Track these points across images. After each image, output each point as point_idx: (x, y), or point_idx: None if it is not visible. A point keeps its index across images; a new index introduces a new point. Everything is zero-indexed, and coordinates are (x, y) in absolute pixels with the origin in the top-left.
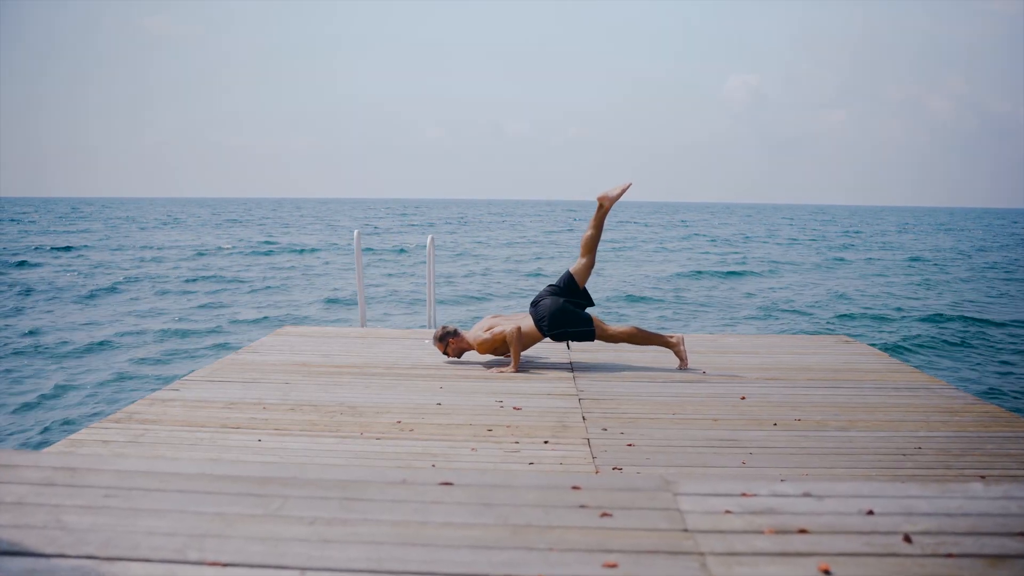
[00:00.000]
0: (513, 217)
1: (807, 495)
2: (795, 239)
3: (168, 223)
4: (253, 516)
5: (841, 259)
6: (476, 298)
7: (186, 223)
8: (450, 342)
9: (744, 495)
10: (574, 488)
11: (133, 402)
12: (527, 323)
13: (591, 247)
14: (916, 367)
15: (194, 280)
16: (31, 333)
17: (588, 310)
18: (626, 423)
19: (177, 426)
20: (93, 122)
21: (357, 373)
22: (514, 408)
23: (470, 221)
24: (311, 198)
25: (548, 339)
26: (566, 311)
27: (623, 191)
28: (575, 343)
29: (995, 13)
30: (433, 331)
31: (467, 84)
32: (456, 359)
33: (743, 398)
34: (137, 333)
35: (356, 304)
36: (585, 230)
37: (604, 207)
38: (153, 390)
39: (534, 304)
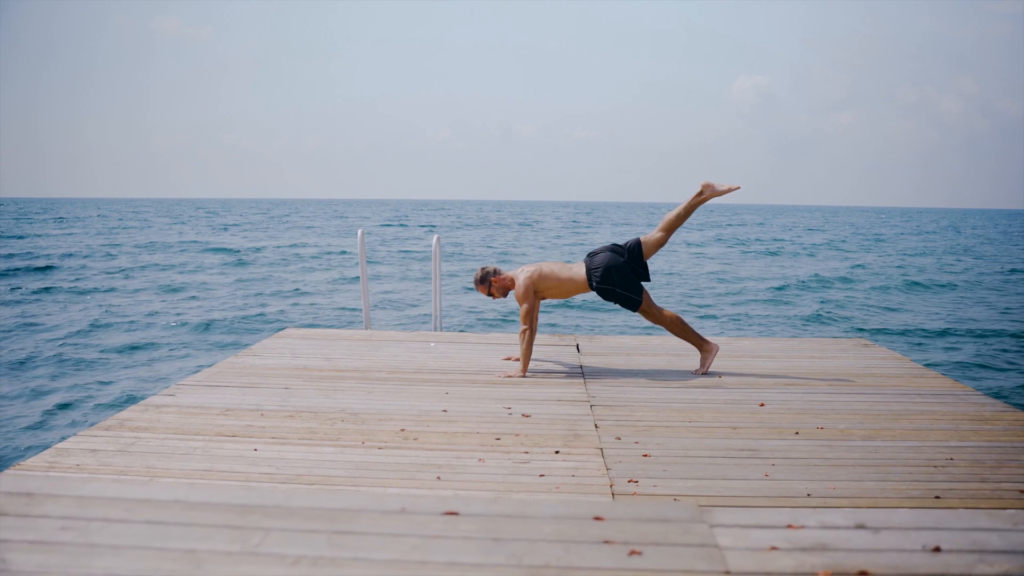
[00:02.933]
0: (535, 217)
1: (861, 527)
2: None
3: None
4: (228, 554)
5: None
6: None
7: (236, 223)
8: (493, 282)
9: (790, 527)
10: (596, 519)
11: (125, 408)
12: (578, 271)
13: (672, 227)
14: (941, 372)
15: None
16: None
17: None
18: (640, 431)
19: (170, 434)
20: (97, 123)
21: (360, 378)
22: (523, 415)
23: (499, 223)
24: (322, 199)
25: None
26: (623, 271)
27: (729, 190)
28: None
29: (1007, 15)
30: (436, 334)
31: (475, 86)
32: (503, 298)
33: (762, 405)
34: None
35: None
36: (674, 208)
37: (704, 195)
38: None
39: (591, 255)
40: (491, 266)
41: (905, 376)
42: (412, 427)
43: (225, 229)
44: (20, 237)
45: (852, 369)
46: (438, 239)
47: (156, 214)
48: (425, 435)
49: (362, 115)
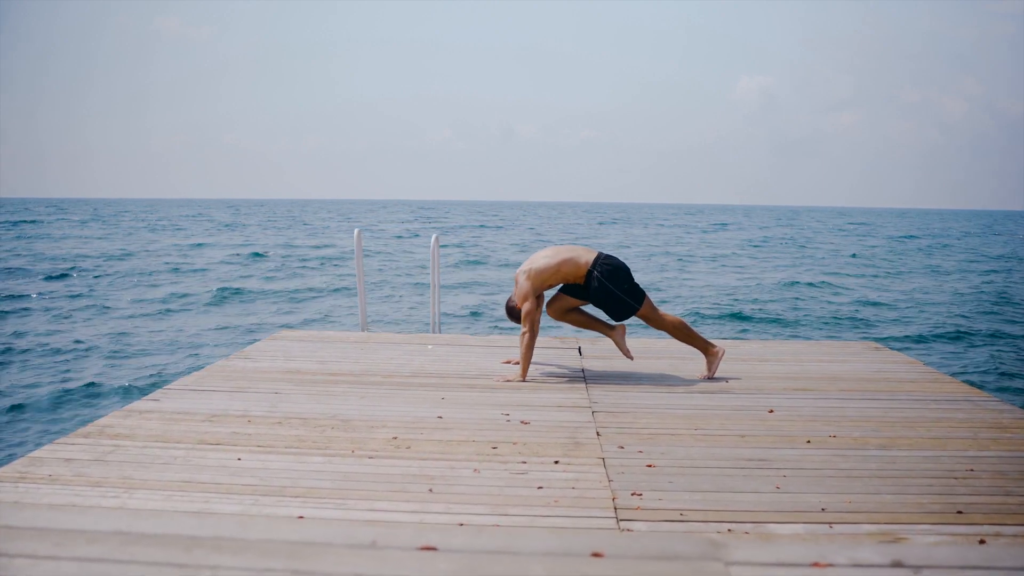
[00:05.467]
0: (559, 217)
1: (898, 565)
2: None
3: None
4: None
5: None
6: None
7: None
8: (517, 308)
9: (816, 565)
10: (594, 555)
11: (107, 414)
12: (581, 254)
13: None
14: (954, 376)
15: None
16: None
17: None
18: (644, 440)
19: (151, 442)
20: (97, 123)
21: (353, 382)
22: (522, 422)
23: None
24: (324, 199)
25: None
26: (628, 276)
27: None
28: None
29: (1007, 15)
30: (435, 336)
31: (475, 86)
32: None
33: (771, 411)
34: None
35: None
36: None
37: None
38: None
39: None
40: (508, 301)
41: (919, 381)
42: (405, 435)
43: (228, 227)
44: (24, 238)
45: (863, 373)
46: (436, 239)
47: (177, 216)
48: (418, 443)
49: (362, 115)
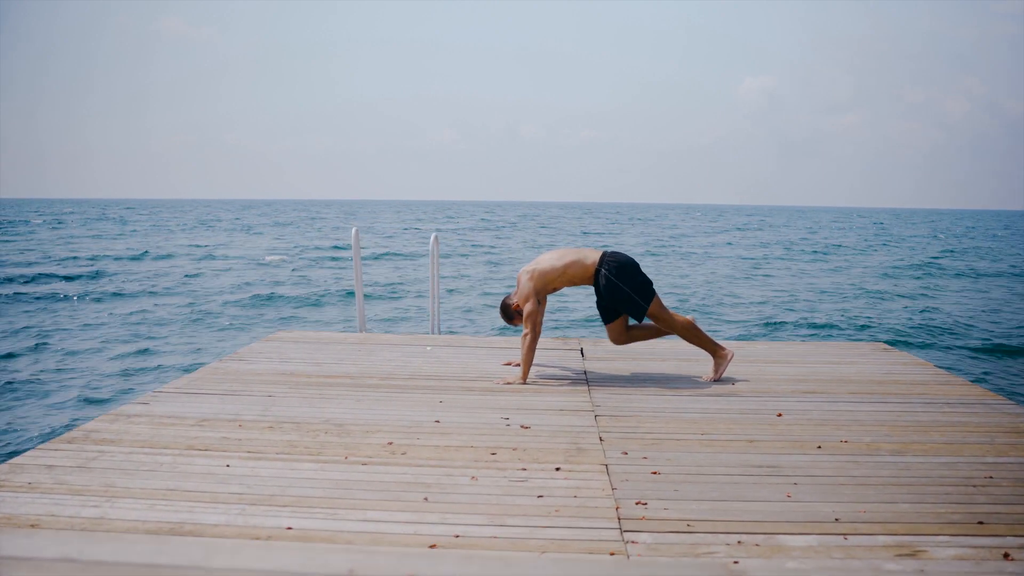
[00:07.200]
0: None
1: None
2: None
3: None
4: None
5: None
6: None
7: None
8: (515, 309)
9: None
10: None
11: (94, 418)
12: (588, 255)
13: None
14: (968, 379)
15: None
16: None
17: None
18: (649, 445)
19: (137, 447)
20: (97, 123)
21: (349, 384)
22: (522, 426)
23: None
24: (329, 199)
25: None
26: (638, 274)
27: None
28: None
29: (1007, 15)
30: (435, 336)
31: (476, 86)
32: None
33: (780, 415)
34: None
35: None
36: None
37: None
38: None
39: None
40: (504, 299)
41: (930, 383)
42: (401, 440)
43: (249, 229)
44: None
45: (873, 375)
46: (435, 238)
47: (187, 217)
48: (414, 449)
49: (362, 115)
